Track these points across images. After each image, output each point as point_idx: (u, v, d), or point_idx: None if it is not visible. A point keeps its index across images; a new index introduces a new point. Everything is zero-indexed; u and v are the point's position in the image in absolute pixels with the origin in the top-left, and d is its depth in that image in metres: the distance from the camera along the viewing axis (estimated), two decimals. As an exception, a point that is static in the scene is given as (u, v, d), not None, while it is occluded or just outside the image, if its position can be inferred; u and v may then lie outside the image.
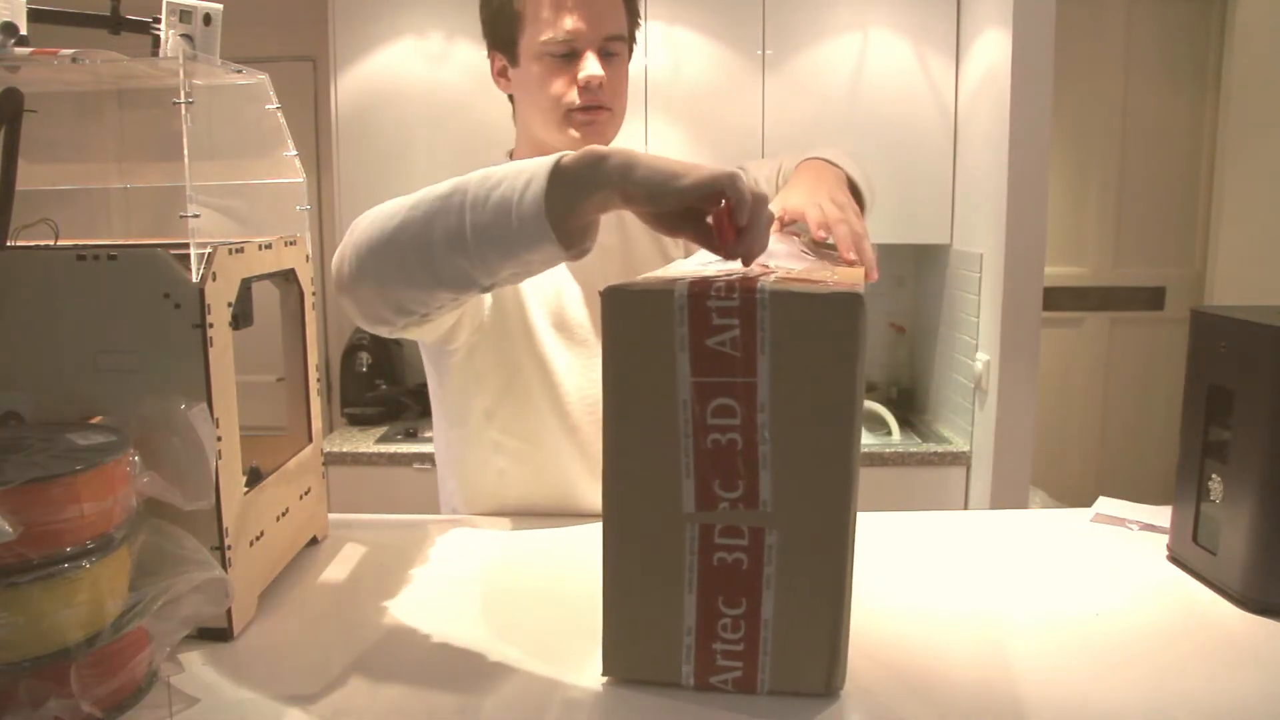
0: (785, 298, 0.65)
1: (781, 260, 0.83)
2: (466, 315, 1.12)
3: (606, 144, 1.18)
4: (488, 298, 1.16)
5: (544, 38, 1.12)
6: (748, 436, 0.67)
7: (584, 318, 1.20)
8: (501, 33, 1.17)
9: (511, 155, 1.26)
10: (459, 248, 0.76)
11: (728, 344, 0.66)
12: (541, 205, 0.72)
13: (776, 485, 0.67)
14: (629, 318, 0.68)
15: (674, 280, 0.68)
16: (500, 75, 1.21)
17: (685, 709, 0.70)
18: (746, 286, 0.66)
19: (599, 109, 1.14)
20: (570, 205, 0.72)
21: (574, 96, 1.13)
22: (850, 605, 0.71)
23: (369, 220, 0.83)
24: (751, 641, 0.70)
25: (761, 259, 0.80)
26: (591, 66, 1.12)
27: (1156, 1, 3.30)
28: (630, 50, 1.20)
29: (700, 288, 0.66)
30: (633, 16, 1.19)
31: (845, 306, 0.65)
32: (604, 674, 0.74)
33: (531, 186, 0.72)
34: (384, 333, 0.91)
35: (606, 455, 0.70)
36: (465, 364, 1.18)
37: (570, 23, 1.11)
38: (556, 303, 1.19)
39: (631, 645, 0.73)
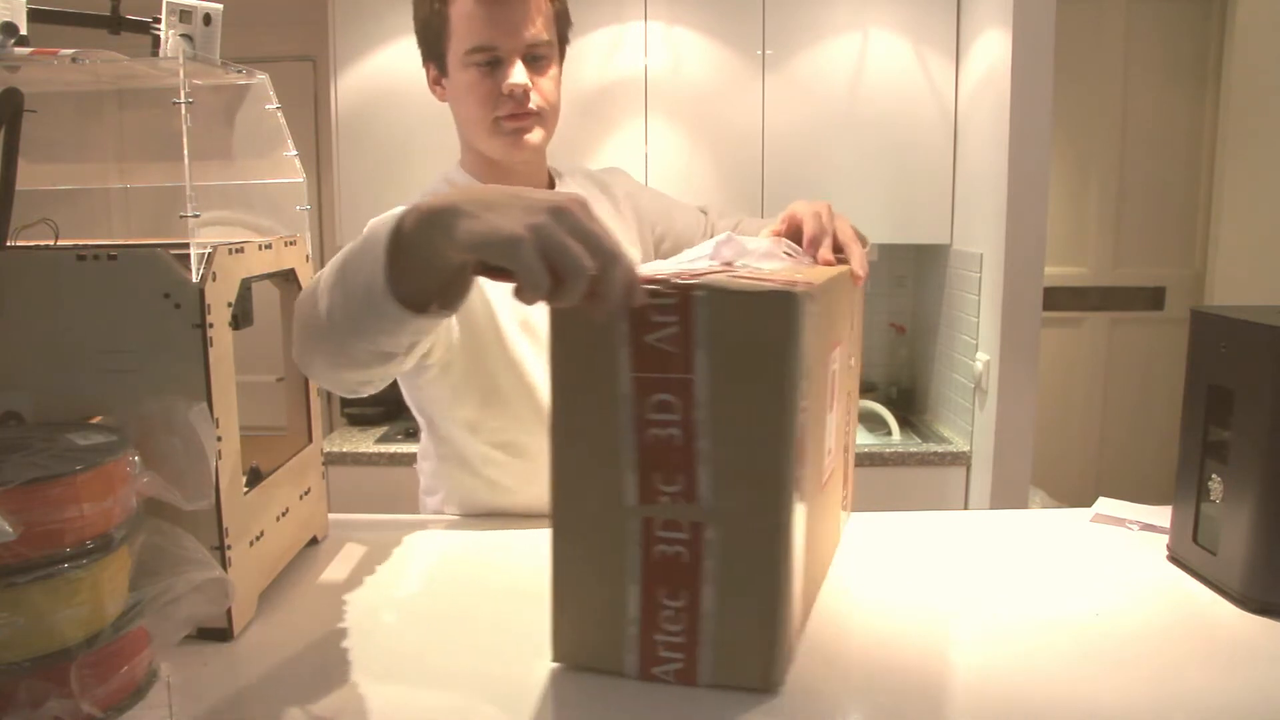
0: (721, 295, 0.65)
1: (752, 260, 0.83)
2: (438, 340, 1.11)
3: (538, 149, 1.19)
4: (454, 317, 1.15)
5: (467, 47, 1.12)
6: (687, 432, 0.68)
7: (546, 319, 1.19)
8: (431, 43, 1.18)
9: (461, 164, 1.26)
10: (356, 333, 0.76)
11: (666, 340, 0.66)
12: (389, 301, 0.70)
13: (715, 481, 0.68)
14: (573, 313, 0.67)
15: None
16: (435, 84, 1.21)
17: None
18: (685, 284, 0.66)
19: (526, 115, 1.14)
20: (421, 287, 0.71)
21: (500, 105, 1.14)
22: (794, 601, 0.71)
23: (300, 314, 0.83)
24: (692, 634, 0.71)
25: (731, 258, 0.80)
26: (515, 75, 1.12)
27: (1156, 1, 3.30)
28: (561, 55, 1.20)
29: (641, 285, 0.66)
30: (561, 22, 1.19)
31: (781, 305, 0.65)
32: (554, 660, 0.75)
33: (375, 283, 0.70)
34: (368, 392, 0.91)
35: (553, 448, 0.72)
36: (441, 379, 1.18)
37: (488, 31, 1.11)
38: (520, 306, 1.18)
39: (578, 633, 0.74)
